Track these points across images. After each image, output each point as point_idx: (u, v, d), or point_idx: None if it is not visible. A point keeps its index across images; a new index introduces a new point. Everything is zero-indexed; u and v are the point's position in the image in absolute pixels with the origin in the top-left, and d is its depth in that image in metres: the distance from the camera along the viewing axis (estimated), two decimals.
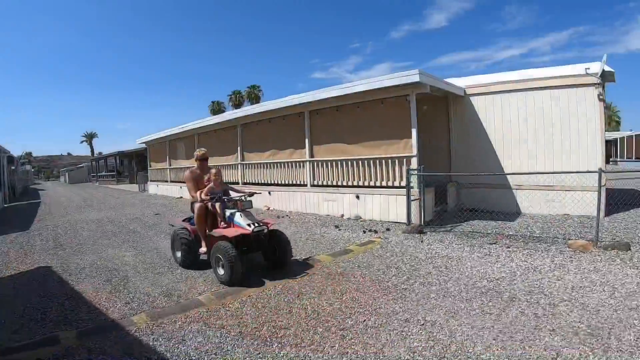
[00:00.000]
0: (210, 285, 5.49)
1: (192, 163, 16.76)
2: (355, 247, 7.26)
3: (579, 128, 9.13)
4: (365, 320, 4.17)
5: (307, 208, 11.03)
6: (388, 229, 8.52)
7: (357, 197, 9.79)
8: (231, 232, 5.63)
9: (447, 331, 3.89)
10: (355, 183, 9.93)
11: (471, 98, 10.30)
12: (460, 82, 10.50)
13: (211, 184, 6.22)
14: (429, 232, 8.06)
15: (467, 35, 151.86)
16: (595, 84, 8.95)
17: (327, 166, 10.59)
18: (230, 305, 4.67)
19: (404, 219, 8.73)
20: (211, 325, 4.16)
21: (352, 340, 3.74)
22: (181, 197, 17.75)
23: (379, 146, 9.47)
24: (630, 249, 6.37)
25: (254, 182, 12.95)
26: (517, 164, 9.73)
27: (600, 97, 8.99)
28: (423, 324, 4.06)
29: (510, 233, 7.81)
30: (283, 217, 10.68)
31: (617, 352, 3.34)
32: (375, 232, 8.38)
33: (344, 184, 10.16)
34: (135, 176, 28.07)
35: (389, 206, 9.20)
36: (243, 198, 6.17)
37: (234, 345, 3.71)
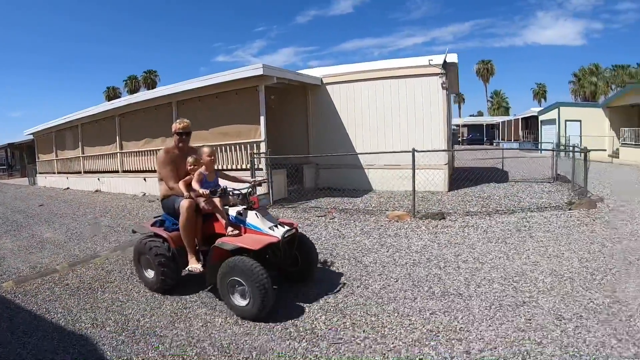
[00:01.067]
0: (67, 258, 6.46)
1: (77, 153, 16.36)
2: None
3: (423, 113, 10.44)
4: None
5: None
6: None
7: None
8: (253, 241, 3.95)
9: None
10: (217, 167, 10.65)
11: (327, 87, 11.37)
12: (317, 73, 11.54)
13: (200, 170, 4.44)
14: (271, 209, 9.04)
15: (372, 22, 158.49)
16: (439, 73, 10.24)
17: None
18: (78, 271, 5.71)
19: None
20: (59, 284, 5.23)
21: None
22: (68, 188, 17.46)
23: (234, 133, 10.26)
24: (444, 219, 7.52)
25: (131, 169, 13.30)
26: (369, 146, 10.88)
27: (444, 85, 10.34)
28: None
29: (347, 207, 8.93)
30: (154, 200, 11.22)
31: (358, 297, 4.24)
32: None
33: None
34: (26, 169, 26.72)
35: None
36: (250, 191, 4.47)
37: (70, 295, 4.84)
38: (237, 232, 4.16)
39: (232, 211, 4.29)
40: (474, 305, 3.94)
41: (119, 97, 53.90)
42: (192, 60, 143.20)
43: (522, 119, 34.61)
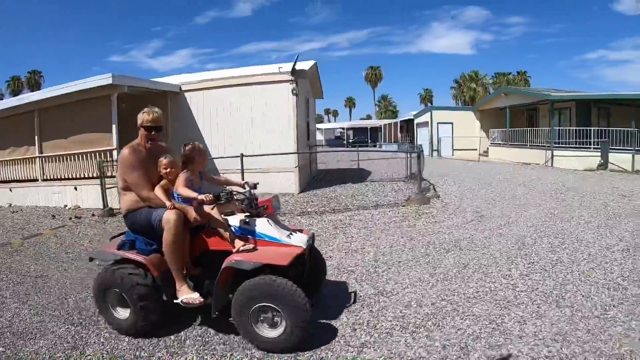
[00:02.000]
0: None
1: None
2: (47, 231, 8.42)
3: (275, 118, 11.21)
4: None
5: (40, 201, 11.66)
6: (93, 215, 9.70)
7: (76, 188, 10.79)
8: (277, 255, 3.36)
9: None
10: (76, 175, 10.89)
11: (186, 94, 11.86)
12: (177, 80, 12.04)
13: (184, 174, 3.61)
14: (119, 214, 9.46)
15: (272, 26, 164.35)
16: (289, 80, 11.07)
17: (53, 161, 11.32)
18: None
19: (113, 206, 9.97)
20: None
21: None
22: None
23: (91, 141, 10.55)
24: None
25: None
26: (225, 151, 11.34)
27: (294, 91, 11.18)
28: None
29: None
30: (18, 211, 11.21)
31: None
32: (79, 218, 9.52)
33: (67, 176, 11.05)
34: None
35: (99, 195, 10.34)
36: (250, 194, 3.74)
37: None
38: (251, 245, 3.43)
39: (234, 220, 3.59)
40: None
41: (1, 99, 51.50)
42: (85, 59, 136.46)
43: (400, 122, 37.52)
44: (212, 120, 11.65)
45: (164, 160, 3.70)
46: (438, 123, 27.19)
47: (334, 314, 3.96)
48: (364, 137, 46.58)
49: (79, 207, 10.75)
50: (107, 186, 9.81)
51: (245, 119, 11.42)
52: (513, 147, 22.28)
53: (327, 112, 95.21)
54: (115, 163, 9.92)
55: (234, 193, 3.68)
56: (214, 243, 3.56)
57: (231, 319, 3.44)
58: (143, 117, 3.79)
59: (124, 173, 3.69)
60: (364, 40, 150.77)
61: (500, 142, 23.87)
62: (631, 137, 17.18)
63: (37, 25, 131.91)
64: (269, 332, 3.27)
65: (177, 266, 3.49)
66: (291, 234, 3.59)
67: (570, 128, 19.88)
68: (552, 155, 18.90)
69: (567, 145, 19.13)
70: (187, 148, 3.69)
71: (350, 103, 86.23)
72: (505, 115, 23.48)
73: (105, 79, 9.71)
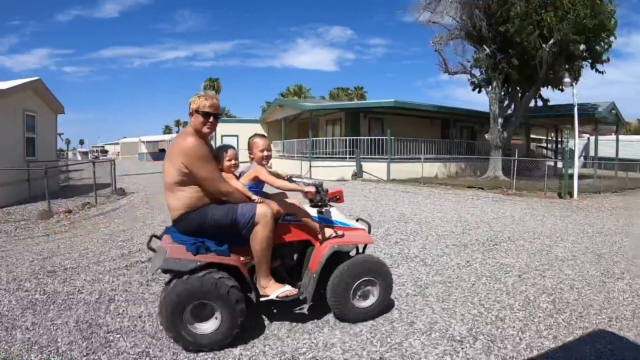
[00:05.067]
0: None
1: None
2: None
3: None
4: None
5: None
6: None
7: None
8: (363, 237, 3.83)
9: None
10: None
11: None
12: None
13: (254, 166, 3.48)
14: None
15: (136, 30, 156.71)
16: None
17: None
18: None
19: None
20: None
21: None
22: None
23: None
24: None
25: None
26: None
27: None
28: None
29: None
30: None
31: None
32: None
33: None
34: None
35: None
36: (320, 185, 3.76)
37: None
38: (342, 232, 3.63)
39: (312, 211, 3.66)
40: None
41: None
42: None
43: None
44: None
45: (229, 152, 3.45)
46: (222, 135, 27.00)
47: None
48: None
49: None
50: None
51: None
52: (288, 159, 22.99)
53: (177, 123, 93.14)
54: None
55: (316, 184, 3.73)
56: (291, 235, 3.60)
57: (305, 304, 3.67)
58: (199, 101, 3.21)
59: (191, 165, 3.10)
60: (229, 52, 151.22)
61: (283, 155, 24.61)
62: (386, 145, 18.58)
63: None
64: (362, 303, 3.68)
65: (267, 263, 3.34)
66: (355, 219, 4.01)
67: (319, 138, 21.51)
68: (310, 166, 19.84)
69: (325, 156, 20.38)
70: (255, 140, 3.57)
71: None
72: (287, 126, 24.59)
73: None
